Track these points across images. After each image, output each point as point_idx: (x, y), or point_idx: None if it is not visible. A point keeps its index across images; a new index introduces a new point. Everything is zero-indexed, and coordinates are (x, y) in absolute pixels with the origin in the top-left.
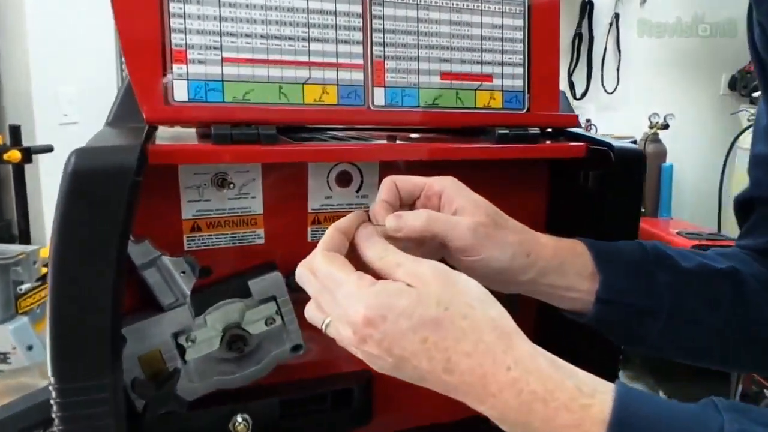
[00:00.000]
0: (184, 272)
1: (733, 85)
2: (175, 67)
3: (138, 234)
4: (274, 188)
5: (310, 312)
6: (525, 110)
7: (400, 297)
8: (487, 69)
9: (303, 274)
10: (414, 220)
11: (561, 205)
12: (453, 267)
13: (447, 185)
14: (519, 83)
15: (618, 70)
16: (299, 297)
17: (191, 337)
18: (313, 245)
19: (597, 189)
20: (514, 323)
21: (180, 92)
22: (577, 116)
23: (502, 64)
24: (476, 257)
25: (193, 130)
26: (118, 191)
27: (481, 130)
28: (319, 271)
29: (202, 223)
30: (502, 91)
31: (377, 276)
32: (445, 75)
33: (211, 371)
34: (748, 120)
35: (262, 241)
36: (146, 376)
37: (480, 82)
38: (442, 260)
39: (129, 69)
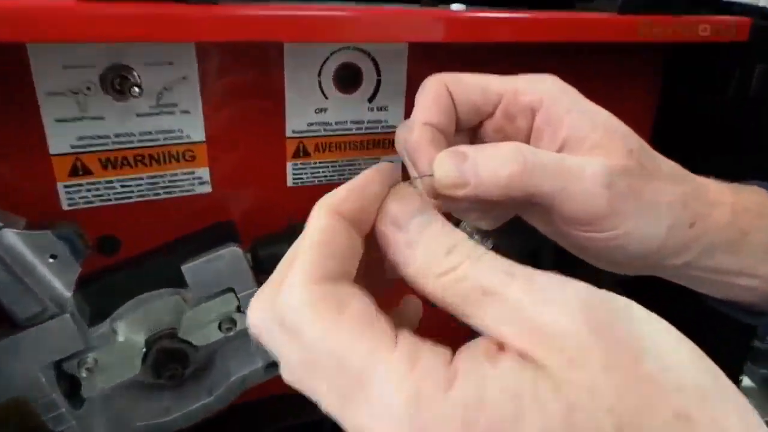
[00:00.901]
0: (54, 256)
1: None
2: None
3: None
4: (224, 94)
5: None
6: None
7: (520, 412)
8: None
9: (266, 330)
10: (494, 168)
11: (681, 121)
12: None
13: (548, 92)
14: None
15: None
16: None
17: (87, 361)
18: (295, 192)
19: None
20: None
21: None
22: None
23: None
24: (609, 233)
25: None
26: None
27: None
28: (304, 333)
29: (90, 161)
30: None
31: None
32: None
33: (129, 412)
34: None
35: (206, 189)
36: None
37: None
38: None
39: None
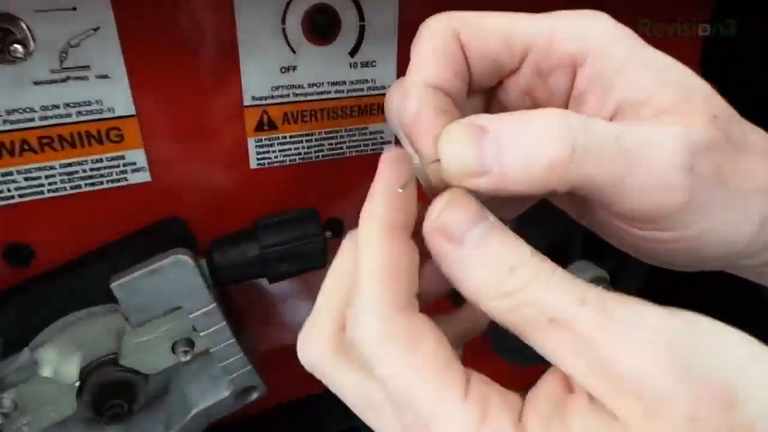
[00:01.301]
0: None
1: None
2: None
3: None
4: (155, 50)
5: None
6: None
7: None
8: None
9: (326, 366)
10: (527, 151)
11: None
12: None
13: (595, 37)
14: None
15: None
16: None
17: (2, 404)
18: (260, 176)
19: None
20: None
21: None
22: None
23: None
24: (680, 233)
25: None
26: None
27: None
28: (376, 368)
29: None
30: None
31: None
32: None
33: None
34: None
35: (143, 178)
36: None
37: None
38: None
39: None
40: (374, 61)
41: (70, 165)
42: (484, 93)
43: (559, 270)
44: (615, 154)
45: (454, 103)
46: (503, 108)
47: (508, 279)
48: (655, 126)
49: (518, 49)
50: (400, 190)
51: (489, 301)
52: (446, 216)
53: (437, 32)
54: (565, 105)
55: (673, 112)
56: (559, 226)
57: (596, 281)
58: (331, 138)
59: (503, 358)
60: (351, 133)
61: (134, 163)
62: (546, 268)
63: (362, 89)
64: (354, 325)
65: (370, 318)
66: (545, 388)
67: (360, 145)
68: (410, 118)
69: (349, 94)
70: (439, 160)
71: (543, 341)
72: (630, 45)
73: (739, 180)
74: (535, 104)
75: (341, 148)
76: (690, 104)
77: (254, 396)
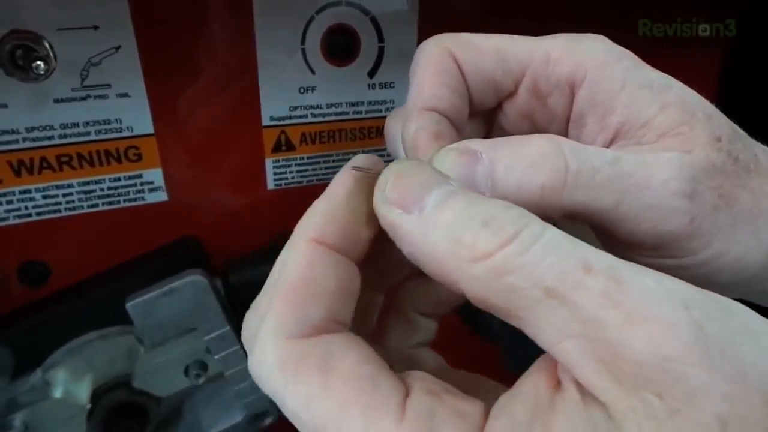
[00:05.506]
0: None
1: None
2: None
3: None
4: (175, 70)
5: None
6: None
7: None
8: None
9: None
10: (519, 176)
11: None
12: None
13: (593, 58)
14: None
15: None
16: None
17: (13, 425)
18: (277, 196)
19: None
20: None
21: None
22: None
23: None
24: (686, 259)
25: None
26: None
27: None
28: (282, 400)
29: None
30: None
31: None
32: None
33: None
34: None
35: (160, 197)
36: None
37: None
38: None
39: None
40: (393, 83)
41: (87, 183)
42: (484, 117)
43: (551, 228)
44: (609, 180)
45: (456, 123)
46: (504, 133)
47: (483, 236)
48: (654, 150)
49: (514, 69)
50: (351, 169)
51: (462, 273)
52: (398, 182)
53: (434, 55)
54: (566, 127)
55: (675, 135)
56: None
57: None
58: (349, 159)
59: None
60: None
61: (152, 182)
62: (533, 222)
63: (380, 110)
64: (255, 349)
65: (266, 343)
66: (524, 389)
67: None
68: (410, 143)
69: (368, 115)
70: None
71: (535, 321)
72: (628, 66)
73: (747, 202)
74: (534, 127)
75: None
76: (692, 126)
77: (267, 421)
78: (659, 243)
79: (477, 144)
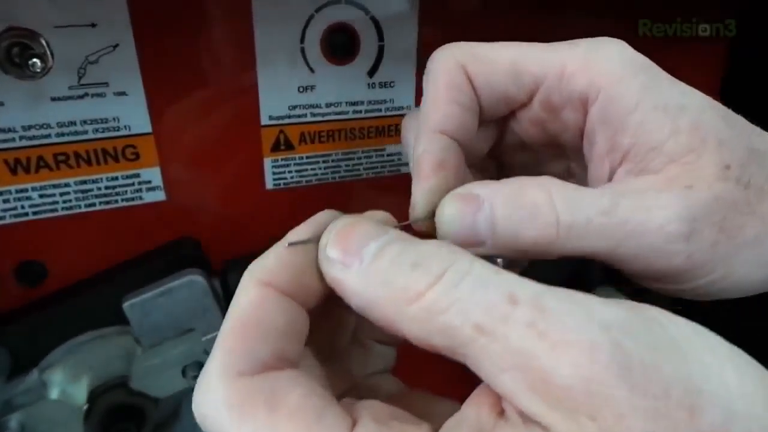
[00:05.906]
0: None
1: None
2: None
3: None
4: (173, 68)
5: None
6: None
7: None
8: None
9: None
10: (514, 227)
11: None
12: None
13: (608, 72)
14: None
15: None
16: None
17: (9, 425)
18: (276, 196)
19: None
20: None
21: None
22: None
23: None
24: (690, 284)
25: None
26: None
27: None
28: None
29: None
30: None
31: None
32: None
33: None
34: None
35: (158, 197)
36: None
37: None
38: None
39: None
40: (393, 82)
41: (85, 182)
42: (496, 122)
43: (479, 261)
44: (603, 228)
45: (464, 140)
46: (516, 136)
47: (414, 277)
48: (656, 187)
49: (528, 84)
50: (287, 246)
51: (402, 316)
52: (338, 239)
53: (445, 69)
54: (579, 138)
55: (682, 164)
56: (574, 262)
57: None
58: (348, 159)
59: None
60: (368, 154)
61: (149, 182)
62: (460, 260)
63: (380, 110)
64: (200, 389)
65: (211, 381)
66: (469, 413)
67: (377, 167)
68: (414, 162)
69: (367, 115)
70: (425, 218)
71: (473, 357)
72: (644, 81)
73: (753, 229)
74: (547, 135)
75: (358, 169)
76: (700, 153)
77: None
78: (658, 277)
79: (479, 188)
